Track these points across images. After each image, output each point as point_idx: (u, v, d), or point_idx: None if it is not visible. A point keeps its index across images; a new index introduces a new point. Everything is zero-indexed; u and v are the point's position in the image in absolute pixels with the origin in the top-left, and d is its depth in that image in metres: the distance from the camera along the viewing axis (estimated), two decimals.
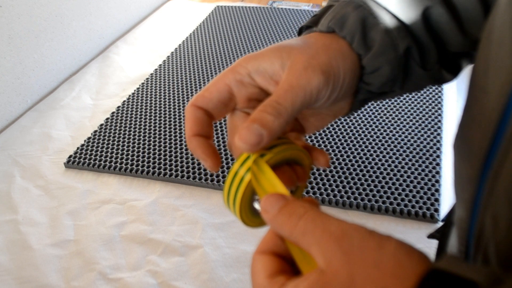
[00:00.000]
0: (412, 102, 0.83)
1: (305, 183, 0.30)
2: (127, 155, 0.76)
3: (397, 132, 0.76)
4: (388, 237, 0.20)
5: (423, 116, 0.79)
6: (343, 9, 0.29)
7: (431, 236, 0.52)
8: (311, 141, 0.75)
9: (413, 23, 0.29)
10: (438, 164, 0.69)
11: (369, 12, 0.29)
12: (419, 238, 0.58)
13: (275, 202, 0.23)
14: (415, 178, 0.67)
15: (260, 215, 0.27)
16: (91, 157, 0.76)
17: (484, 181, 0.23)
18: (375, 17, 0.29)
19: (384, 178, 0.67)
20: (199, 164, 0.72)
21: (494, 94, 0.22)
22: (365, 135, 0.76)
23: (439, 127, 0.77)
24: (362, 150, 0.73)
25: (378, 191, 0.65)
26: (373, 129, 0.77)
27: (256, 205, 0.28)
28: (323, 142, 0.75)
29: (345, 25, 0.29)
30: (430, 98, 0.84)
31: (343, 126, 0.78)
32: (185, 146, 0.76)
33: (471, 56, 0.32)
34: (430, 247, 0.57)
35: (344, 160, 0.71)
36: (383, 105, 0.83)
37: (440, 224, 0.60)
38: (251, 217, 0.28)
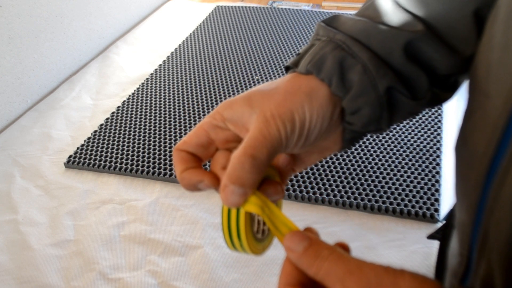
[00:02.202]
0: None
1: (281, 199, 0.31)
2: (127, 155, 0.76)
3: (397, 132, 0.76)
4: (401, 271, 0.21)
5: (423, 116, 0.79)
6: (322, 50, 0.30)
7: (431, 236, 0.52)
8: None
9: (395, 58, 0.29)
10: (438, 164, 0.69)
11: (348, 52, 0.29)
12: (419, 238, 0.58)
13: (299, 242, 0.24)
14: (415, 178, 0.67)
15: (260, 241, 0.29)
16: (91, 157, 0.76)
17: (489, 187, 0.22)
18: (354, 57, 0.29)
19: (384, 178, 0.67)
20: None
21: (499, 100, 0.22)
22: (365, 135, 0.76)
23: (439, 127, 0.77)
24: (362, 150, 0.73)
25: (378, 191, 0.65)
26: None
27: (259, 235, 0.29)
28: None
29: (323, 67, 0.29)
30: None
31: None
32: None
33: (467, 70, 0.32)
34: (430, 247, 0.57)
35: (344, 160, 0.71)
36: None
37: (440, 224, 0.60)
38: (257, 246, 0.28)
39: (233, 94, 0.91)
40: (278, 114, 0.27)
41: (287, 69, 0.33)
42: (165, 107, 0.88)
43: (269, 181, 0.29)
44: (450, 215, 0.41)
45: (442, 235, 0.42)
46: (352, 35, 0.29)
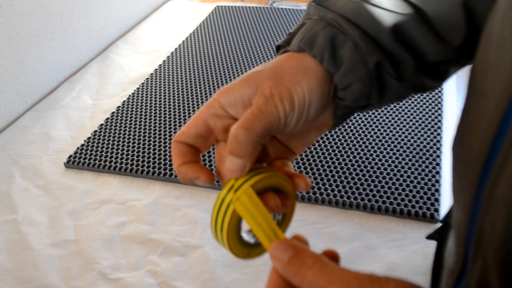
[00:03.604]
0: (412, 102, 0.83)
1: (292, 211, 0.31)
2: (127, 155, 0.76)
3: (397, 132, 0.76)
4: (386, 279, 0.22)
5: (423, 116, 0.79)
6: (313, 28, 0.30)
7: (429, 237, 0.52)
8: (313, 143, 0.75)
9: (383, 38, 0.29)
10: (438, 164, 0.69)
11: (338, 29, 0.30)
12: (419, 238, 0.58)
13: (284, 250, 0.24)
14: (415, 178, 0.67)
15: (248, 246, 0.29)
16: (91, 157, 0.76)
17: (484, 186, 0.23)
18: (345, 34, 0.29)
19: (384, 178, 0.67)
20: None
21: (493, 99, 0.22)
22: (365, 135, 0.76)
23: (439, 127, 0.77)
24: (362, 150, 0.73)
25: (378, 191, 0.65)
26: (373, 129, 0.77)
27: (244, 235, 0.29)
28: (323, 142, 0.75)
29: (314, 44, 0.30)
30: (430, 98, 0.84)
31: (343, 126, 0.78)
32: None
33: (459, 62, 0.32)
34: (430, 247, 0.57)
35: (344, 160, 0.71)
36: None
37: (439, 224, 0.60)
38: (239, 247, 0.29)
39: None
40: (277, 92, 0.28)
41: (278, 48, 0.34)
42: (165, 107, 0.88)
43: (272, 194, 0.29)
44: (448, 215, 0.41)
45: (439, 235, 0.42)
46: (342, 14, 0.30)
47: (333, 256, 0.26)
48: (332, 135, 0.76)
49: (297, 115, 0.29)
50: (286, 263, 0.24)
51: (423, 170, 0.68)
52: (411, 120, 0.78)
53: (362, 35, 0.29)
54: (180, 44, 1.13)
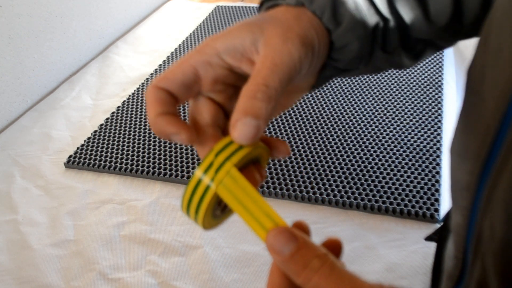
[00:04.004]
0: (412, 102, 0.83)
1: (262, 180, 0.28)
2: (127, 155, 0.76)
3: (397, 132, 0.76)
4: None
5: (423, 116, 0.79)
6: None
7: (428, 238, 0.52)
8: (311, 140, 0.75)
9: (381, 3, 0.29)
10: (438, 164, 0.69)
11: None
12: (419, 238, 0.58)
13: (285, 243, 0.21)
14: (415, 178, 0.67)
15: (217, 216, 0.26)
16: (91, 157, 0.76)
17: (482, 189, 0.22)
18: None
19: (384, 178, 0.67)
20: (199, 164, 0.72)
21: (492, 102, 0.22)
22: (365, 135, 0.76)
23: (439, 127, 0.77)
24: (362, 150, 0.73)
25: (378, 191, 0.65)
26: (373, 129, 0.77)
27: (218, 212, 0.26)
28: (323, 142, 0.75)
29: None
30: (430, 98, 0.84)
31: (343, 126, 0.78)
32: (185, 146, 0.76)
33: (436, 45, 0.32)
34: (430, 247, 0.57)
35: (344, 160, 0.71)
36: (383, 105, 0.83)
37: (438, 226, 0.60)
38: (210, 221, 0.26)
39: None
40: (290, 38, 0.25)
41: (262, 4, 0.31)
42: None
43: (252, 167, 0.26)
44: (447, 217, 0.41)
45: (438, 237, 0.42)
46: None
47: (335, 246, 0.24)
48: (332, 135, 0.76)
49: (310, 62, 0.26)
50: (288, 258, 0.21)
51: (423, 170, 0.68)
52: (411, 120, 0.78)
53: None
54: (180, 44, 1.13)
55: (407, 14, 0.29)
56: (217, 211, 0.26)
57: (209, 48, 0.25)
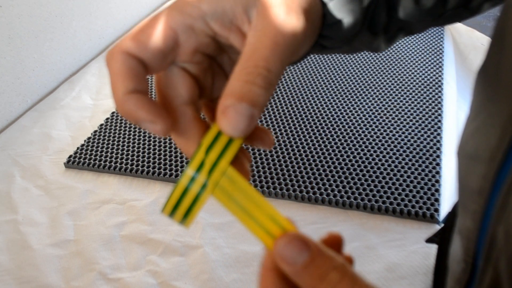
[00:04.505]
0: (412, 102, 0.83)
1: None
2: (127, 155, 0.76)
3: (397, 132, 0.76)
4: None
5: (423, 116, 0.79)
6: None
7: (429, 240, 0.51)
8: (311, 141, 0.75)
9: None
10: (438, 164, 0.69)
11: None
12: (419, 238, 0.58)
13: (298, 252, 0.19)
14: (415, 178, 0.67)
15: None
16: (91, 157, 0.76)
17: (497, 194, 0.22)
18: None
19: (384, 178, 0.67)
20: (187, 163, 0.72)
21: (508, 103, 0.21)
22: (365, 135, 0.76)
23: (439, 127, 0.76)
24: (362, 150, 0.73)
25: (378, 191, 0.65)
26: (373, 129, 0.77)
27: None
28: (323, 142, 0.75)
29: None
30: (430, 98, 0.84)
31: (343, 126, 0.78)
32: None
33: (409, 29, 0.30)
34: (430, 247, 0.57)
35: (344, 160, 0.71)
36: (383, 105, 0.83)
37: (438, 228, 0.59)
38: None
39: None
40: (293, 9, 0.20)
41: None
42: None
43: (240, 160, 0.22)
44: (449, 218, 0.40)
45: (440, 239, 0.42)
46: None
47: (336, 242, 0.22)
48: (332, 135, 0.76)
49: (310, 38, 0.23)
50: (301, 269, 0.19)
51: (423, 170, 0.68)
52: (411, 120, 0.78)
53: None
54: None
55: None
56: None
57: (193, 9, 0.21)
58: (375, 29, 0.27)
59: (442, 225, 0.45)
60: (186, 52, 0.22)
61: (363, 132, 0.77)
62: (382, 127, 0.78)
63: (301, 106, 0.84)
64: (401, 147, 0.73)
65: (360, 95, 0.86)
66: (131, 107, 0.20)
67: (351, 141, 0.75)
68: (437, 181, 0.66)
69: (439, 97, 0.84)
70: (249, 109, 0.19)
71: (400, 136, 0.75)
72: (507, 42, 0.23)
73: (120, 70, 0.20)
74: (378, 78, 0.91)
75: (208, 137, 0.20)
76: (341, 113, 0.82)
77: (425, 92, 0.85)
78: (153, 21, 0.21)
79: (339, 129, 0.78)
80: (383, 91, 0.87)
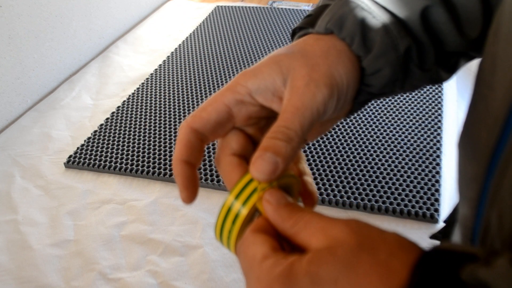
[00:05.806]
0: (412, 102, 0.83)
1: None
2: (127, 155, 0.76)
3: (397, 132, 0.76)
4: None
5: (423, 116, 0.79)
6: (341, 9, 0.28)
7: (433, 237, 0.51)
8: (313, 143, 0.75)
9: (412, 22, 0.28)
10: (438, 164, 0.69)
11: (368, 12, 0.28)
12: (419, 238, 0.58)
13: (280, 197, 0.23)
14: (415, 178, 0.67)
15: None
16: (91, 157, 0.76)
17: (490, 179, 0.22)
18: (374, 16, 0.28)
19: (384, 178, 0.67)
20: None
21: (501, 92, 0.22)
22: (365, 135, 0.76)
23: (439, 127, 0.77)
24: (362, 150, 0.73)
25: (378, 191, 0.65)
26: (373, 129, 0.77)
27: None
28: (323, 142, 0.75)
29: (344, 26, 0.28)
30: (430, 98, 0.84)
31: (343, 126, 0.78)
32: None
33: (469, 55, 0.32)
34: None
35: (344, 160, 0.71)
36: (383, 105, 0.83)
37: (442, 225, 0.60)
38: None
39: None
40: (314, 80, 0.25)
41: (294, 33, 0.32)
42: (165, 107, 0.88)
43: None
44: (451, 215, 0.41)
45: (443, 235, 0.42)
46: None
47: (311, 200, 0.27)
48: (332, 135, 0.76)
49: (336, 101, 0.26)
50: (277, 207, 0.23)
51: (423, 170, 0.68)
52: (411, 120, 0.78)
53: (393, 19, 0.28)
54: (180, 44, 1.13)
55: (440, 30, 0.29)
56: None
57: (242, 88, 0.26)
58: (425, 66, 0.29)
59: (444, 224, 0.46)
60: (241, 120, 0.27)
61: (363, 132, 0.77)
62: (382, 127, 0.78)
63: None
64: (401, 147, 0.73)
65: None
66: (176, 172, 0.26)
67: (351, 141, 0.75)
68: (437, 181, 0.66)
69: (439, 97, 0.84)
70: (272, 157, 0.24)
71: (400, 136, 0.75)
72: (501, 34, 0.23)
73: (181, 140, 0.26)
74: None
75: (240, 184, 0.25)
76: None
77: (425, 92, 0.85)
78: (212, 100, 0.26)
79: (339, 129, 0.78)
80: None
